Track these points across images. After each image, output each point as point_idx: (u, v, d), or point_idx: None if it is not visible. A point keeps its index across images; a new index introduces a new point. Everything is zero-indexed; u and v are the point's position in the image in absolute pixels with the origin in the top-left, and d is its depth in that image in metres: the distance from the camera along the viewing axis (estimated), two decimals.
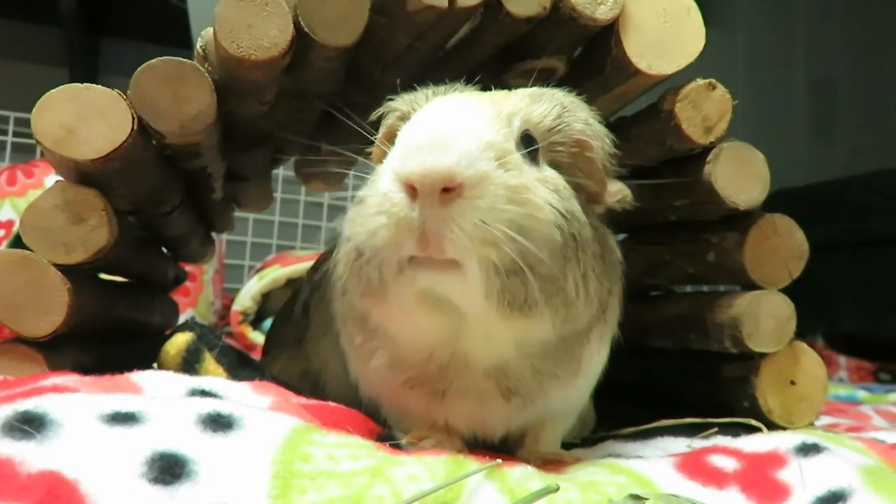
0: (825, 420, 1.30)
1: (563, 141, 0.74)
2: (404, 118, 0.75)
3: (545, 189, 0.68)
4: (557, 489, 0.58)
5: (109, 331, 1.03)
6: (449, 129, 0.64)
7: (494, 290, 0.64)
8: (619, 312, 0.84)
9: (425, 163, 0.61)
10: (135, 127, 0.79)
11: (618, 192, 0.78)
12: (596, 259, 0.73)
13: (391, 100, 0.79)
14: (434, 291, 0.65)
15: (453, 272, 0.64)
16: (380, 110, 0.80)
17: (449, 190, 0.61)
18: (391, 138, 0.73)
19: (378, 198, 0.65)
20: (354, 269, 0.70)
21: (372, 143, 0.81)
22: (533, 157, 0.71)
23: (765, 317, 0.93)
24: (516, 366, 0.72)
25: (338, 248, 0.78)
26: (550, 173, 0.71)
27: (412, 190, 0.62)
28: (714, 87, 0.91)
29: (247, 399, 0.73)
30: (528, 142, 0.71)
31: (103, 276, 1.03)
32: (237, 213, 1.56)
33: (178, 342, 0.93)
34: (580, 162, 0.74)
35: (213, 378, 0.79)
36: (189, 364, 0.91)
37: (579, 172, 0.74)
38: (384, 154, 0.71)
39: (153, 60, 0.80)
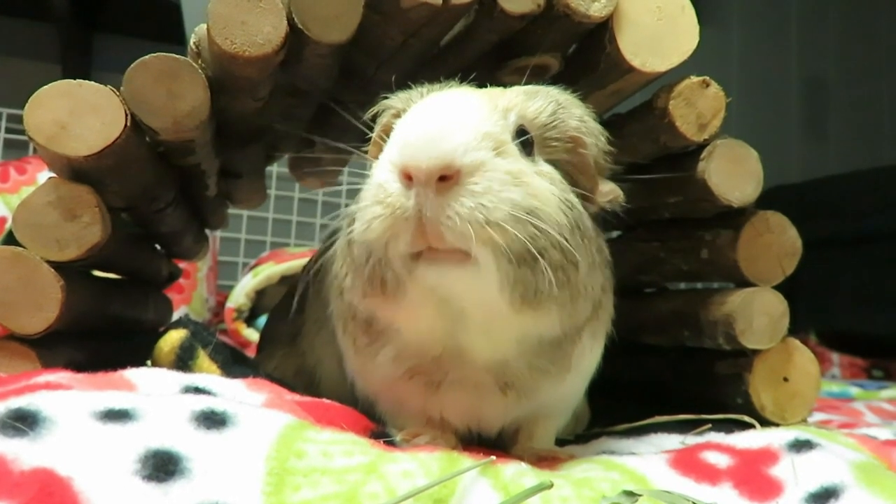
0: (818, 416, 1.30)
1: (557, 137, 0.74)
2: (399, 115, 0.74)
3: (542, 179, 0.68)
4: (551, 486, 0.58)
5: (103, 328, 1.02)
6: (446, 121, 0.64)
7: (508, 280, 0.63)
8: (610, 310, 0.84)
9: (423, 151, 0.61)
10: (128, 123, 0.79)
11: (609, 192, 0.78)
12: (597, 252, 0.73)
13: (386, 97, 0.79)
14: (444, 288, 0.65)
15: (464, 266, 0.63)
16: (375, 108, 0.80)
17: (446, 179, 0.61)
18: (387, 136, 0.73)
19: (374, 189, 0.65)
20: (356, 269, 0.70)
21: (367, 140, 0.81)
22: (528, 151, 0.71)
23: (758, 314, 0.94)
24: (515, 360, 0.72)
25: (333, 245, 0.78)
26: (546, 167, 0.72)
27: (408, 179, 0.62)
28: (708, 85, 0.91)
29: (241, 396, 0.73)
30: (523, 136, 0.71)
31: (96, 273, 1.03)
32: (231, 210, 1.56)
33: (172, 339, 0.93)
34: (574, 158, 0.74)
35: (207, 375, 0.79)
36: (183, 361, 0.91)
37: (573, 169, 0.75)
38: (380, 150, 0.71)
39: (146, 57, 0.80)
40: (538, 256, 0.63)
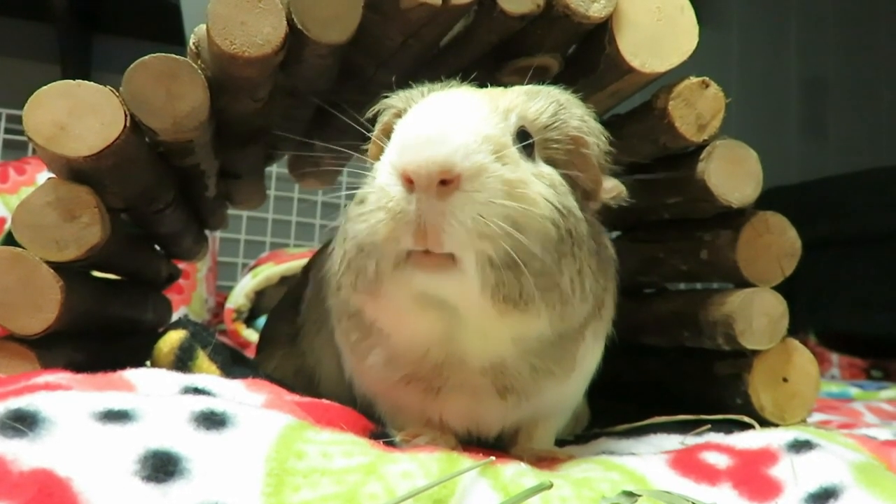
0: (817, 417, 1.30)
1: (559, 138, 0.74)
2: (400, 115, 0.74)
3: (541, 184, 0.68)
4: (551, 486, 0.58)
5: (102, 328, 1.02)
6: (446, 123, 0.64)
7: (490, 285, 0.64)
8: (613, 310, 0.84)
9: (423, 155, 0.61)
10: (127, 124, 0.79)
11: (613, 188, 0.78)
12: (592, 255, 0.73)
13: (387, 97, 0.79)
14: (430, 293, 0.65)
15: (449, 271, 0.64)
16: (375, 107, 0.80)
17: (446, 182, 0.61)
18: (387, 135, 0.73)
19: (376, 193, 0.65)
20: (351, 266, 0.70)
21: (366, 140, 0.80)
22: (529, 152, 0.71)
23: (757, 314, 0.94)
24: (514, 363, 0.72)
25: (333, 245, 0.78)
26: (546, 169, 0.72)
27: (409, 183, 0.62)
28: (707, 86, 0.91)
29: (240, 397, 0.73)
30: (524, 138, 0.71)
31: (96, 273, 1.03)
32: (230, 211, 1.56)
33: (172, 340, 0.93)
34: (576, 159, 0.75)
35: (207, 376, 0.79)
36: (182, 362, 0.91)
37: (575, 169, 0.75)
38: (381, 151, 0.71)
39: (146, 57, 0.79)
40: (523, 264, 0.63)
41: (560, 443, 0.89)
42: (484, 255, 0.63)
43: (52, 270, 0.79)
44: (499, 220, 0.62)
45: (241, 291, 2.45)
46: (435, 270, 0.64)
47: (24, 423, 0.53)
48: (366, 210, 0.66)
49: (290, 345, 1.07)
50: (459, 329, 0.68)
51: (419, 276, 0.64)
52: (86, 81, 0.79)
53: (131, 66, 0.79)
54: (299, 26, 0.79)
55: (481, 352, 0.71)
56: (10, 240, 0.80)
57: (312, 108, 1.10)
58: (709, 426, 0.90)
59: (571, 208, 0.70)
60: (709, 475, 0.69)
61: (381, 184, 0.64)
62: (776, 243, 0.96)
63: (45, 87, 0.78)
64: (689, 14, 0.90)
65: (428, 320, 0.68)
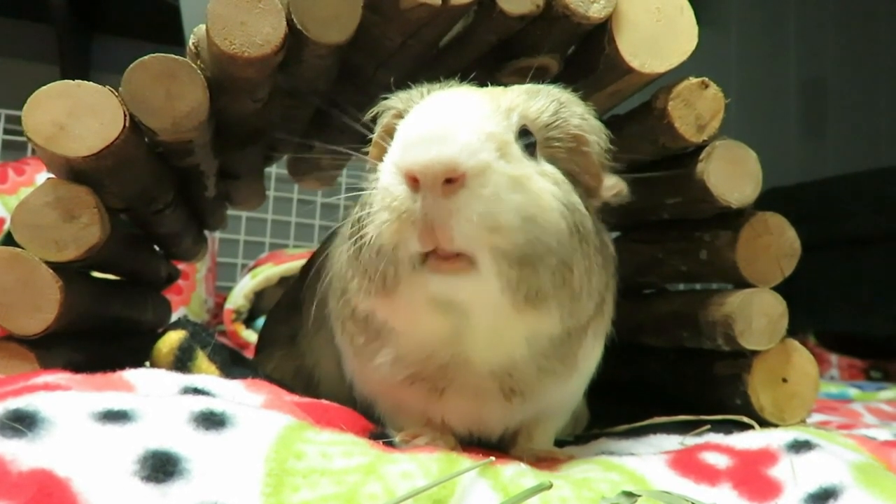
0: (816, 417, 1.30)
1: (560, 136, 0.74)
2: (401, 116, 0.74)
3: (546, 181, 0.68)
4: (550, 486, 0.58)
5: (101, 329, 1.02)
6: (449, 121, 0.63)
7: (509, 283, 0.64)
8: (613, 308, 0.84)
9: (427, 154, 0.61)
10: (127, 124, 0.79)
11: (613, 185, 0.78)
12: (597, 252, 0.73)
13: (386, 98, 0.79)
14: (446, 296, 0.65)
15: (467, 274, 0.63)
16: (375, 108, 0.80)
17: (451, 181, 0.61)
18: (388, 136, 0.73)
19: (380, 193, 0.65)
20: (363, 272, 0.70)
21: (366, 141, 0.80)
22: (531, 151, 0.71)
23: (757, 315, 0.94)
24: (524, 365, 0.72)
25: (334, 246, 0.78)
26: (549, 167, 0.72)
27: (414, 182, 0.62)
28: (707, 86, 0.91)
29: (240, 397, 0.73)
30: (525, 136, 0.71)
31: (95, 273, 1.02)
32: (230, 211, 1.56)
33: (171, 340, 0.93)
34: (577, 157, 0.75)
35: (206, 376, 0.79)
36: (182, 362, 0.91)
37: (576, 167, 0.75)
38: (382, 151, 0.71)
39: (145, 57, 0.79)
40: (538, 260, 0.63)
41: (560, 443, 0.89)
42: (499, 250, 0.63)
43: (51, 270, 0.79)
44: (508, 214, 0.62)
45: (241, 292, 2.45)
46: (452, 273, 0.64)
47: (23, 423, 0.53)
48: (372, 211, 0.66)
49: (289, 345, 1.07)
50: (467, 331, 0.68)
51: (436, 281, 0.64)
52: (85, 82, 0.78)
53: (130, 66, 0.79)
54: (299, 26, 0.79)
55: (491, 354, 0.71)
56: (9, 240, 0.80)
57: (312, 108, 1.10)
58: (708, 426, 0.90)
59: (576, 204, 0.70)
60: (708, 475, 0.69)
61: (385, 184, 0.64)
62: (775, 244, 0.96)
63: (44, 88, 0.78)
64: (689, 14, 0.90)
65: (439, 321, 0.68)
